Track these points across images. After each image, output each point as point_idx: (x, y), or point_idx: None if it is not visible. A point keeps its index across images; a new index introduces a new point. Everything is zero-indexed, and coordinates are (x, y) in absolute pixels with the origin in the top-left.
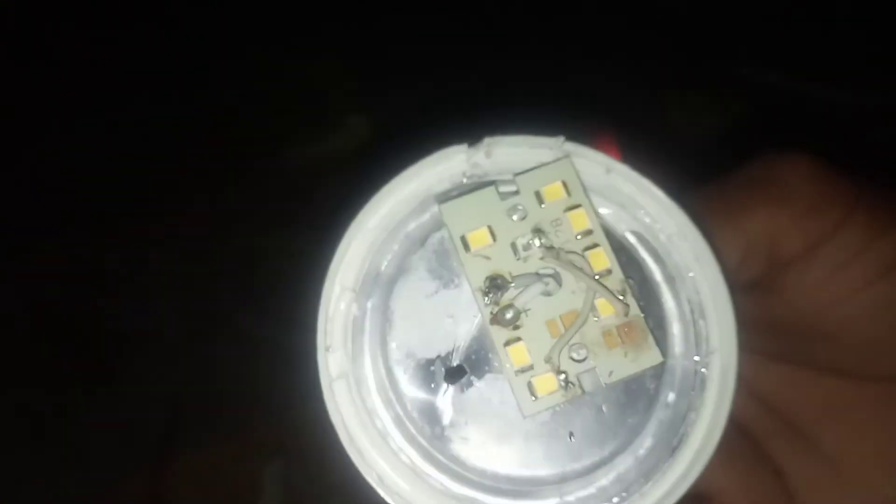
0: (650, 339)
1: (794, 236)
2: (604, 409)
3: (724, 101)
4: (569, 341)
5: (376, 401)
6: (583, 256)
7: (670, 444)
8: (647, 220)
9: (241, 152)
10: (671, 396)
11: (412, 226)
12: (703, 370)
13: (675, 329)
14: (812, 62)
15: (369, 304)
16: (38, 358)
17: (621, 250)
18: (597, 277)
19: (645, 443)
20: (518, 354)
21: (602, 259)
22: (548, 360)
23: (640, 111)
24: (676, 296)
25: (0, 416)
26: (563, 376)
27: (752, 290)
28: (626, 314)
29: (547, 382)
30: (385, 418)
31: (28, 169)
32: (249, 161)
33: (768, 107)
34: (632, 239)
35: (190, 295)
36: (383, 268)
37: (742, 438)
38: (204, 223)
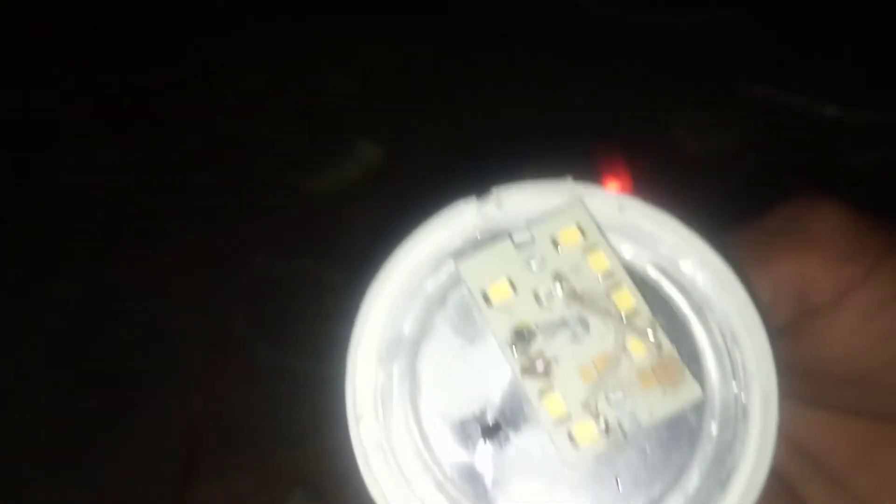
0: (687, 374)
1: (824, 283)
2: (648, 449)
3: (730, 118)
4: (604, 386)
5: (414, 468)
6: (608, 298)
7: (719, 479)
8: (667, 252)
9: (254, 180)
10: (714, 428)
11: (430, 286)
12: (742, 399)
13: (710, 360)
14: (818, 81)
15: (395, 370)
16: (54, 390)
17: (644, 286)
18: (624, 318)
19: (693, 480)
20: (554, 405)
21: (627, 299)
22: (585, 407)
23: (646, 130)
24: (706, 326)
25: (17, 449)
26: (602, 422)
27: (780, 336)
28: (660, 352)
29: (587, 430)
30: (426, 485)
31: (39, 199)
32: (262, 189)
33: (774, 125)
34: (654, 273)
35: (207, 324)
36: (406, 331)
37: (777, 484)
38: (218, 252)
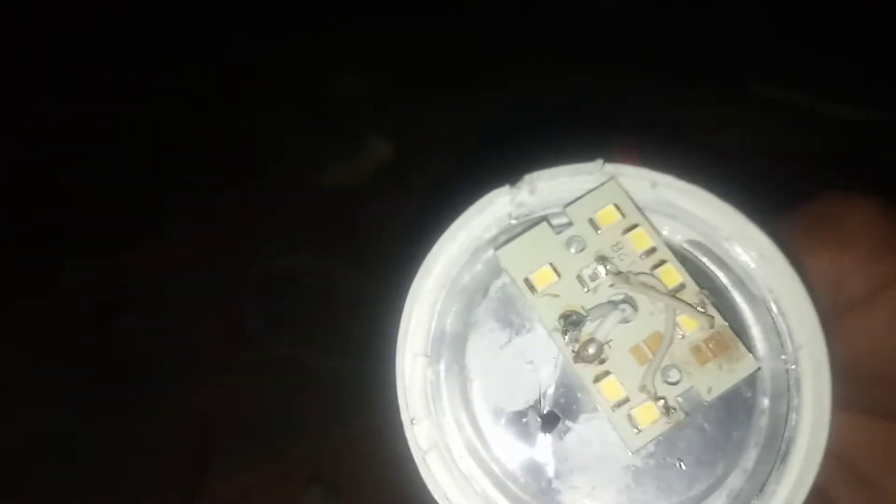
0: (741, 346)
1: (857, 279)
2: (706, 427)
3: (743, 117)
4: (659, 365)
5: (471, 465)
6: (653, 276)
7: (777, 451)
8: (703, 227)
9: (266, 174)
10: (765, 402)
11: (467, 278)
12: (793, 367)
13: (755, 332)
14: (832, 80)
15: (442, 367)
16: (66, 385)
17: (683, 262)
18: (673, 294)
19: (751, 454)
20: (611, 389)
21: (673, 274)
22: (643, 388)
23: (658, 128)
24: (750, 298)
25: (30, 442)
26: (662, 402)
27: None
28: (712, 326)
29: (647, 412)
30: (484, 482)
31: (49, 196)
32: (274, 185)
33: (787, 124)
34: (690, 249)
35: (218, 319)
36: (448, 326)
37: None
38: (232, 247)
